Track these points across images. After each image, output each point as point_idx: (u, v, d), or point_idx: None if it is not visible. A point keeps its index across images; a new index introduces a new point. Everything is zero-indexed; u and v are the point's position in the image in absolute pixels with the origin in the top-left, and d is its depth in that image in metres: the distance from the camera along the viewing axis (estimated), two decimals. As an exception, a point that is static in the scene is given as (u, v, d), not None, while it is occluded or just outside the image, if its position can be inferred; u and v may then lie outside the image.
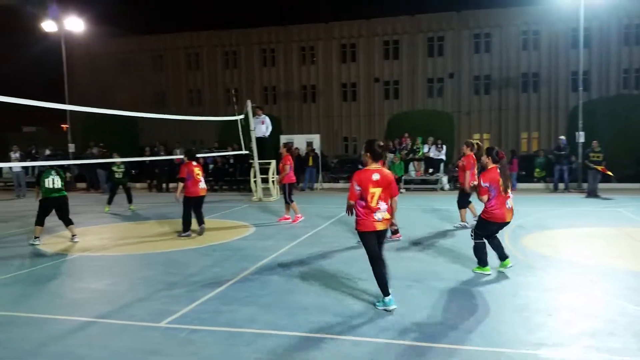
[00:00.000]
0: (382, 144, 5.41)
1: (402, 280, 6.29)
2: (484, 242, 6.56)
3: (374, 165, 5.27)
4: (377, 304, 5.34)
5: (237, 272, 6.81)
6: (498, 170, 6.32)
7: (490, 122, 39.74)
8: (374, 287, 6.01)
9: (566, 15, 32.77)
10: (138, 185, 22.61)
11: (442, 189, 18.57)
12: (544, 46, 37.96)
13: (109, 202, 13.69)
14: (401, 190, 17.82)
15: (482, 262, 6.60)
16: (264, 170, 16.06)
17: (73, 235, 9.36)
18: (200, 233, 9.78)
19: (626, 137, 18.61)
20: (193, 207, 9.84)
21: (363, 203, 5.20)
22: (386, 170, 5.37)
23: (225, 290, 6.04)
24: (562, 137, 18.75)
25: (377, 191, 5.17)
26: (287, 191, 11.24)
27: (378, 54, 41.39)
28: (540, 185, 18.85)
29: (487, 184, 6.28)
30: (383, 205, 5.22)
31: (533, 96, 38.85)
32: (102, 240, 9.82)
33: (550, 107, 38.31)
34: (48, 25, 23.20)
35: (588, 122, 18.44)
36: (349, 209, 5.40)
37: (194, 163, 9.93)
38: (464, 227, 9.88)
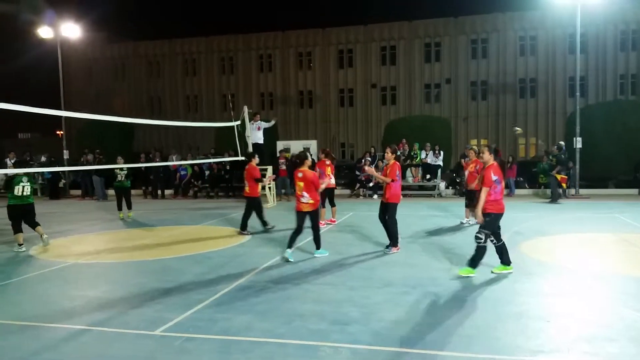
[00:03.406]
0: (298, 156, 8.44)
1: (399, 287, 6.26)
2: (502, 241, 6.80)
3: (301, 168, 8.09)
4: (289, 256, 7.86)
5: (233, 280, 6.76)
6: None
7: (488, 127, 39.82)
8: (371, 294, 6.00)
9: (563, 20, 33.11)
10: (133, 192, 22.54)
11: (439, 195, 18.55)
12: (541, 52, 38.09)
13: (119, 208, 13.52)
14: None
15: (477, 264, 6.68)
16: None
17: (42, 235, 9.32)
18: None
19: (623, 142, 18.67)
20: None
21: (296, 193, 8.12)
22: (309, 171, 8.08)
23: (220, 297, 5.99)
24: (562, 142, 18.76)
25: (300, 184, 8.00)
26: (329, 196, 11.71)
27: (375, 60, 41.48)
28: (538, 191, 18.85)
29: (496, 177, 6.68)
30: (306, 195, 7.97)
31: (530, 102, 38.96)
32: (96, 247, 9.76)
33: (547, 113, 38.42)
34: (44, 32, 23.15)
35: (585, 127, 18.47)
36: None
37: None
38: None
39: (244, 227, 10.58)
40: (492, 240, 6.72)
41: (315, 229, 8.27)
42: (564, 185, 16.00)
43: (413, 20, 40.56)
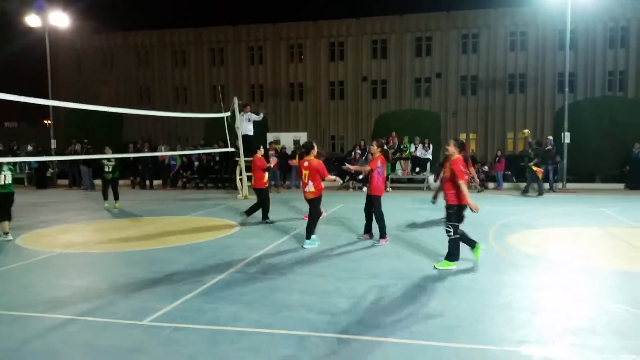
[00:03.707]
0: (304, 145, 8.64)
1: (386, 278, 6.29)
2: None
3: (306, 157, 8.35)
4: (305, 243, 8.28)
5: (221, 270, 6.76)
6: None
7: (477, 122, 40.00)
8: (358, 285, 6.03)
9: (553, 17, 33.26)
10: (121, 182, 22.40)
11: (428, 187, 18.63)
12: (531, 47, 38.28)
13: (105, 197, 13.54)
14: (387, 189, 17.85)
15: (457, 256, 6.79)
16: (250, 168, 15.94)
17: (6, 233, 9.23)
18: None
19: (611, 138, 18.82)
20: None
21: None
22: (315, 160, 8.30)
23: (209, 288, 5.99)
24: (550, 137, 18.88)
25: (306, 172, 8.28)
26: None
27: (366, 53, 41.45)
28: (525, 184, 18.97)
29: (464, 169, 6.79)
30: (310, 183, 8.26)
31: (519, 97, 39.15)
32: (83, 237, 9.71)
33: (536, 108, 38.64)
34: (32, 20, 22.88)
35: (574, 123, 18.62)
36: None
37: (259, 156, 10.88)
38: None
39: (249, 213, 10.66)
40: (449, 232, 6.87)
41: (311, 217, 8.38)
42: (539, 176, 16.22)
43: (405, 14, 40.54)
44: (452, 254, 6.78)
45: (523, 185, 18.08)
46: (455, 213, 6.72)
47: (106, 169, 13.39)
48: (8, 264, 7.43)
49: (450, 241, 6.76)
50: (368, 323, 4.79)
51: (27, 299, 5.75)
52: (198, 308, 5.26)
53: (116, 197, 13.48)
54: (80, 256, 8.01)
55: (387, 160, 8.82)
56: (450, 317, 4.95)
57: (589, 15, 33.43)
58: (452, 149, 6.86)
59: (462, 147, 6.94)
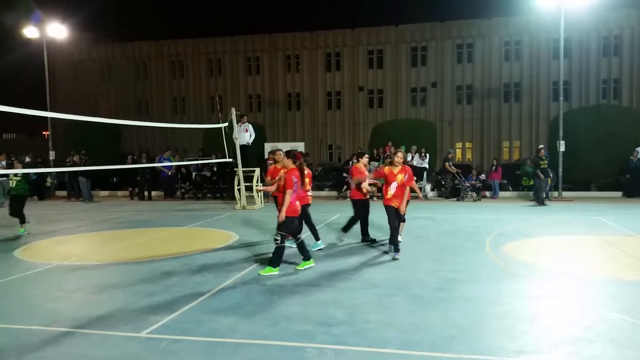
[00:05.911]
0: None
1: (385, 288, 6.30)
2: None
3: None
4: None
5: (219, 282, 6.76)
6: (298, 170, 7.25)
7: (472, 131, 40.16)
8: (356, 295, 6.03)
9: (547, 26, 33.56)
10: (120, 193, 22.41)
11: (425, 197, 18.65)
12: (526, 57, 38.57)
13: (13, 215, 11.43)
14: (373, 197, 17.85)
15: (277, 263, 7.11)
16: (248, 179, 15.99)
17: None
18: None
19: (605, 146, 18.92)
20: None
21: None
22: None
23: (206, 299, 5.99)
24: (542, 145, 18.97)
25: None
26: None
27: (362, 63, 41.69)
28: (522, 193, 19.05)
29: (296, 180, 7.14)
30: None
31: (515, 106, 39.37)
32: (81, 249, 9.70)
33: (531, 117, 38.86)
34: (30, 31, 22.97)
35: (568, 131, 18.72)
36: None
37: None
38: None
39: (346, 229, 9.64)
40: (291, 239, 7.30)
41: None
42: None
43: (400, 24, 40.84)
44: (275, 260, 7.10)
45: (521, 193, 18.18)
46: (285, 223, 7.05)
47: (11, 184, 11.67)
48: (5, 276, 7.41)
49: (275, 248, 7.10)
50: (366, 334, 4.79)
51: (24, 311, 5.73)
52: (196, 320, 5.26)
53: (20, 220, 11.38)
54: (78, 268, 7.99)
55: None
56: (447, 327, 4.96)
57: (582, 24, 33.75)
58: (286, 161, 7.28)
59: (294, 157, 7.26)
